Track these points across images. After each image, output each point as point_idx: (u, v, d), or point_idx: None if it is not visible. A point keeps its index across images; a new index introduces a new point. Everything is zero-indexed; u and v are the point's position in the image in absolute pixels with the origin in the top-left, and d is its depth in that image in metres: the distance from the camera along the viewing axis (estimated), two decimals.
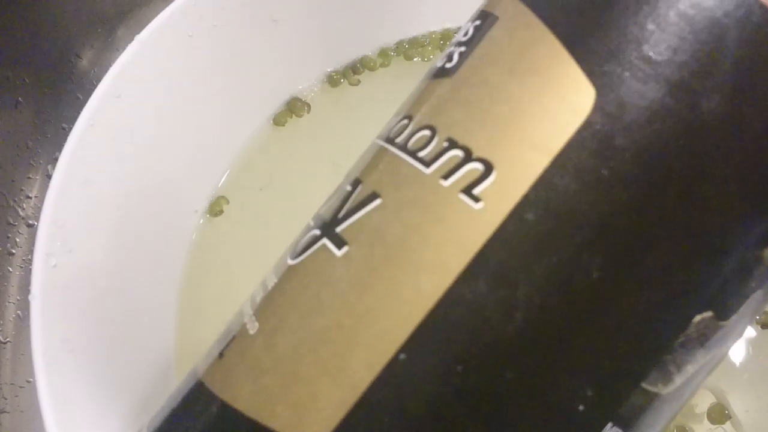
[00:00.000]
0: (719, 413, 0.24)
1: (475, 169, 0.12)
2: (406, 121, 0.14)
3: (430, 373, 0.12)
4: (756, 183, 0.12)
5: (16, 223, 0.30)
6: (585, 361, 0.12)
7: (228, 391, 0.14)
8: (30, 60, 0.30)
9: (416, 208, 0.13)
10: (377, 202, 0.13)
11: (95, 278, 0.24)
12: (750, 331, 0.28)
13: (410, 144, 0.14)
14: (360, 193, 0.14)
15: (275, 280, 0.15)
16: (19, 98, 0.30)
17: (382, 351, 0.12)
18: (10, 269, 0.30)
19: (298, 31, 0.30)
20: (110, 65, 0.28)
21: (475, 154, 0.13)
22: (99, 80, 0.30)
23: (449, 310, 0.12)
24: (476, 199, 0.12)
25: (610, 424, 0.13)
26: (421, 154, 0.13)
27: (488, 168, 0.12)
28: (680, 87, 0.12)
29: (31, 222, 0.31)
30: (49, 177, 0.30)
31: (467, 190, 0.12)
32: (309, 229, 0.15)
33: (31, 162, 0.31)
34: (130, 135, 0.26)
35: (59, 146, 0.31)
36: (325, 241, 0.14)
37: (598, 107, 0.12)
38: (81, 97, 0.31)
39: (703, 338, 0.13)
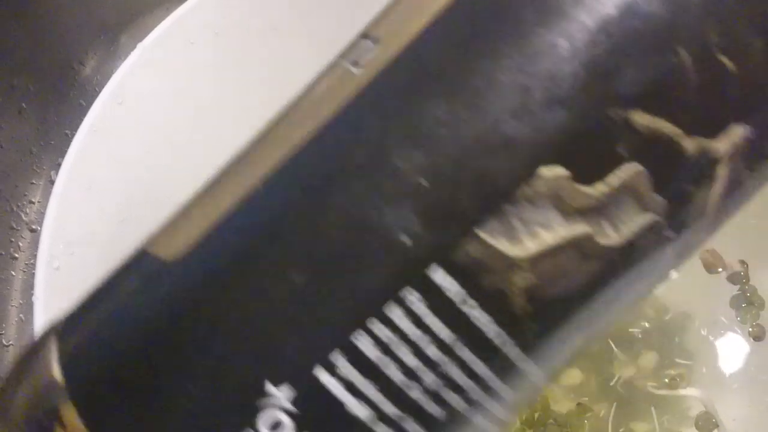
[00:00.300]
0: (707, 421, 0.25)
1: (365, 45, 0.14)
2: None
3: (274, 201, 0.13)
4: (612, 29, 0.12)
5: (19, 228, 0.30)
6: (413, 190, 0.12)
7: (146, 241, 0.15)
8: (34, 67, 0.31)
9: (319, 87, 0.14)
10: (299, 94, 0.15)
11: (97, 281, 0.24)
12: (742, 343, 0.29)
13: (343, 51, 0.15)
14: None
15: None
16: (23, 105, 0.31)
17: (243, 183, 0.13)
18: (13, 273, 0.31)
19: (298, 39, 0.31)
20: (113, 73, 0.29)
21: (370, 34, 0.14)
22: (102, 87, 0.31)
23: (306, 149, 0.13)
24: (358, 66, 0.13)
25: (435, 265, 0.12)
26: (344, 50, 0.15)
27: (375, 41, 0.14)
28: None
29: (34, 227, 0.31)
30: (52, 182, 0.31)
31: (354, 61, 0.14)
32: None
33: (35, 167, 0.32)
34: (132, 141, 0.27)
35: (62, 152, 0.32)
36: None
37: None
38: (84, 104, 0.32)
39: (559, 202, 0.12)
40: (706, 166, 0.13)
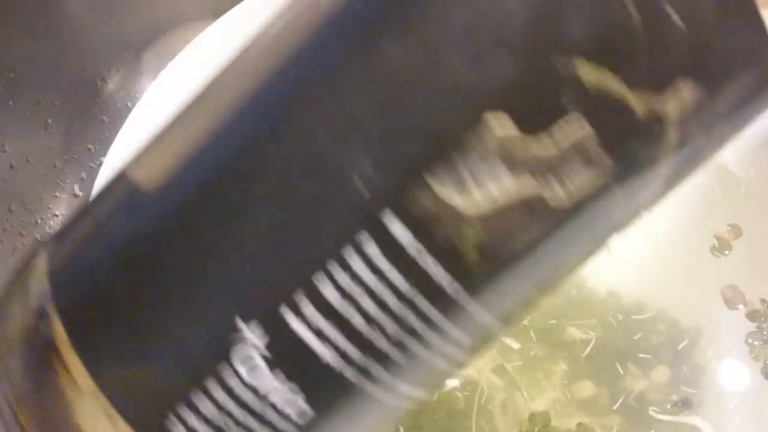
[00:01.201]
0: None
1: None
2: None
3: (240, 133, 0.14)
4: None
5: (44, 240, 0.33)
6: (365, 130, 0.13)
7: (127, 166, 0.16)
8: (59, 84, 0.33)
9: (278, 17, 0.15)
10: None
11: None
12: (751, 379, 0.30)
13: None
14: None
15: None
16: (49, 120, 0.33)
17: (213, 119, 0.14)
18: None
19: None
20: (135, 89, 0.31)
21: None
22: (124, 103, 0.33)
23: (262, 89, 0.14)
24: None
25: (389, 212, 0.13)
26: None
27: None
28: None
29: None
30: (75, 196, 0.34)
31: None
32: None
33: (59, 181, 0.34)
34: None
35: (85, 166, 0.34)
36: None
37: None
38: (106, 120, 0.35)
39: (504, 151, 0.12)
40: (654, 124, 0.13)
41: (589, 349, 0.32)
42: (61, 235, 0.16)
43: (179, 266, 0.14)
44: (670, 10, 0.12)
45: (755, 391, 0.30)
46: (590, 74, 0.12)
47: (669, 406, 0.30)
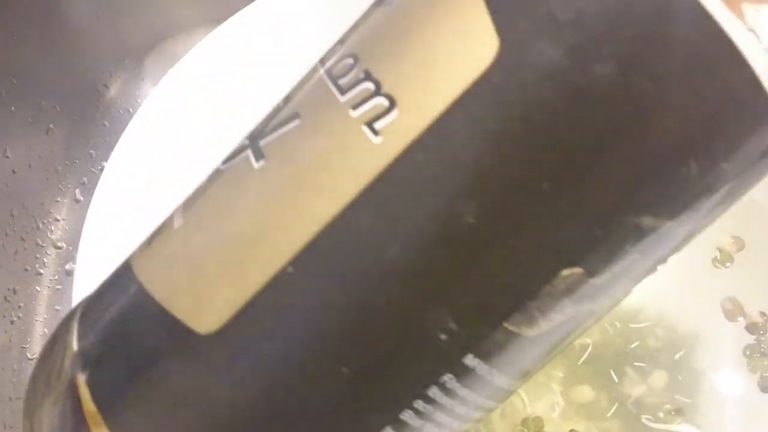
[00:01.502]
0: None
1: (381, 104, 0.14)
2: (339, 46, 0.16)
3: (311, 288, 0.14)
4: (637, 152, 0.13)
5: (44, 245, 0.34)
6: (450, 296, 0.14)
7: (146, 275, 0.16)
8: (62, 90, 0.34)
9: (325, 134, 0.14)
10: (296, 122, 0.15)
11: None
12: (747, 391, 0.30)
13: (335, 69, 0.15)
14: (286, 110, 0.16)
15: (205, 182, 0.17)
16: (51, 125, 0.33)
17: (273, 261, 0.14)
18: (38, 288, 0.34)
19: None
20: (136, 95, 0.32)
21: (384, 89, 0.14)
22: (126, 109, 0.33)
23: (335, 234, 0.14)
24: (376, 133, 0.14)
25: (471, 355, 0.14)
26: (341, 81, 0.15)
27: (392, 104, 0.14)
28: (577, 49, 0.13)
29: (59, 244, 0.35)
30: (77, 201, 0.34)
31: (370, 123, 0.14)
32: (243, 137, 0.17)
33: (60, 186, 0.35)
34: (162, 165, 0.29)
35: (87, 171, 0.35)
36: (248, 151, 0.16)
37: (498, 59, 0.13)
38: (108, 125, 0.35)
39: (571, 292, 0.14)
40: (686, 235, 0.15)
41: (586, 354, 0.33)
42: (88, 323, 0.17)
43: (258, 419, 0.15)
44: (724, 163, 0.14)
45: (751, 404, 0.30)
46: (651, 223, 0.14)
47: (662, 415, 0.30)
